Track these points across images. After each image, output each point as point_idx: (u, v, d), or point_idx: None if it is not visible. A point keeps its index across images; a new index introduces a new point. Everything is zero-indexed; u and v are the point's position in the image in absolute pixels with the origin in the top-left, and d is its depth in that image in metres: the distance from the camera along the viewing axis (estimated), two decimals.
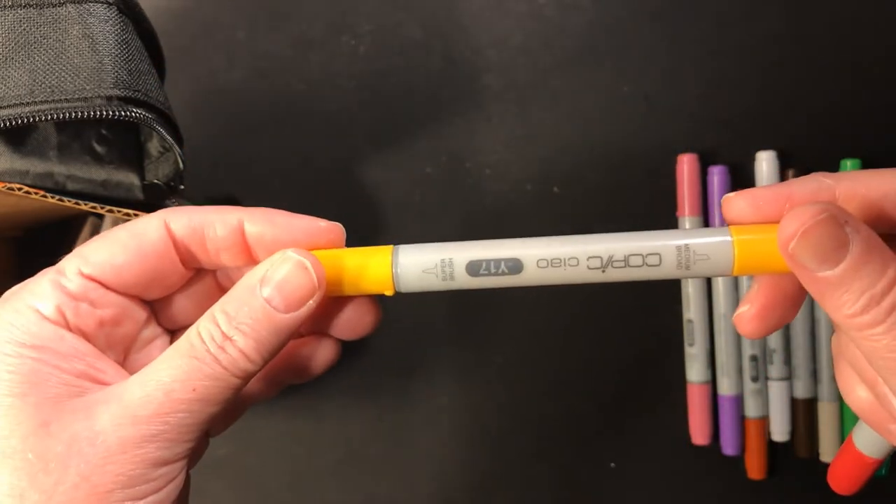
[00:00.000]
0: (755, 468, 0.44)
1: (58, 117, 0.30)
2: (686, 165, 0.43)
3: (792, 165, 0.43)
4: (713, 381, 0.44)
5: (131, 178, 0.35)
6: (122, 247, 0.23)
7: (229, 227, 0.24)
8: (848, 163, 0.42)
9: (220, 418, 0.25)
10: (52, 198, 0.32)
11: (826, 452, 0.43)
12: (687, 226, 0.43)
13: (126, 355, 0.25)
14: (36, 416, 0.20)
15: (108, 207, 0.33)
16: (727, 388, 0.43)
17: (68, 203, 0.32)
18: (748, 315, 0.24)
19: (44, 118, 0.30)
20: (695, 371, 0.44)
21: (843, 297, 0.20)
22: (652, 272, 0.23)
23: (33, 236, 0.45)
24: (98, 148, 0.35)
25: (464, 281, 0.23)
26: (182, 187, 0.36)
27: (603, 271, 0.23)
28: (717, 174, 0.43)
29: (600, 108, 0.45)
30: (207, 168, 0.46)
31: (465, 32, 0.45)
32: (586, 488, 0.46)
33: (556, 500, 0.47)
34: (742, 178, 0.43)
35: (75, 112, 0.30)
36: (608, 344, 0.46)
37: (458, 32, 0.45)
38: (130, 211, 0.33)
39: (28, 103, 0.30)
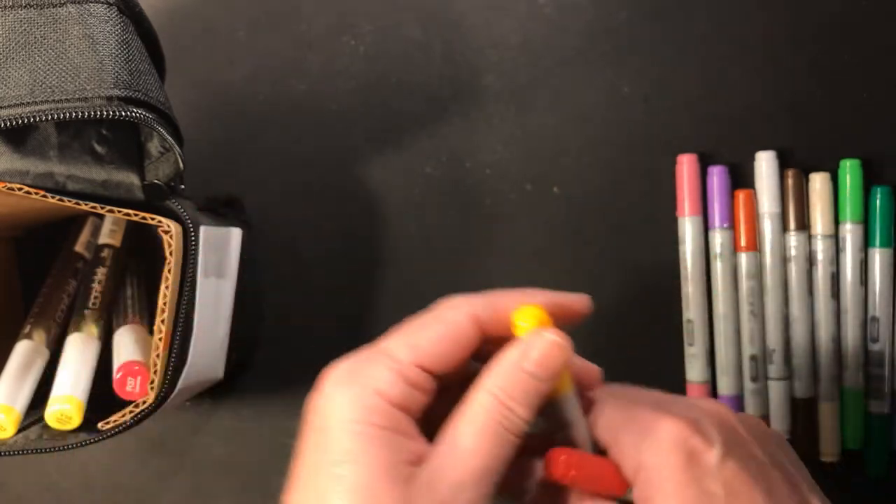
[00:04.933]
0: None
1: (58, 117, 0.30)
2: (686, 165, 0.43)
3: (792, 165, 0.43)
4: (713, 381, 0.44)
5: (131, 178, 0.35)
6: (440, 336, 0.27)
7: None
8: (848, 163, 0.42)
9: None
10: (52, 198, 0.32)
11: (826, 452, 0.43)
12: (687, 226, 0.43)
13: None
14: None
15: (108, 207, 0.33)
16: (727, 387, 0.43)
17: (68, 203, 0.32)
18: None
19: (44, 118, 0.30)
20: (695, 371, 0.44)
21: None
22: None
23: (33, 236, 0.46)
24: (98, 148, 0.35)
25: None
26: (182, 187, 0.36)
27: None
28: (717, 174, 0.43)
29: (600, 108, 0.45)
30: (207, 168, 0.46)
31: (465, 32, 0.45)
32: None
33: None
34: (742, 178, 0.43)
35: (75, 112, 0.30)
36: (608, 344, 0.45)
37: (458, 32, 0.45)
38: (130, 211, 0.33)
39: (28, 103, 0.30)
